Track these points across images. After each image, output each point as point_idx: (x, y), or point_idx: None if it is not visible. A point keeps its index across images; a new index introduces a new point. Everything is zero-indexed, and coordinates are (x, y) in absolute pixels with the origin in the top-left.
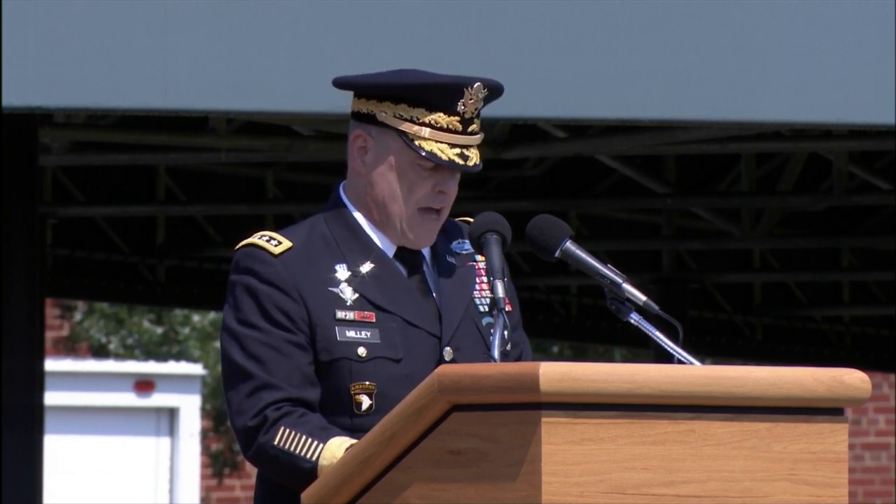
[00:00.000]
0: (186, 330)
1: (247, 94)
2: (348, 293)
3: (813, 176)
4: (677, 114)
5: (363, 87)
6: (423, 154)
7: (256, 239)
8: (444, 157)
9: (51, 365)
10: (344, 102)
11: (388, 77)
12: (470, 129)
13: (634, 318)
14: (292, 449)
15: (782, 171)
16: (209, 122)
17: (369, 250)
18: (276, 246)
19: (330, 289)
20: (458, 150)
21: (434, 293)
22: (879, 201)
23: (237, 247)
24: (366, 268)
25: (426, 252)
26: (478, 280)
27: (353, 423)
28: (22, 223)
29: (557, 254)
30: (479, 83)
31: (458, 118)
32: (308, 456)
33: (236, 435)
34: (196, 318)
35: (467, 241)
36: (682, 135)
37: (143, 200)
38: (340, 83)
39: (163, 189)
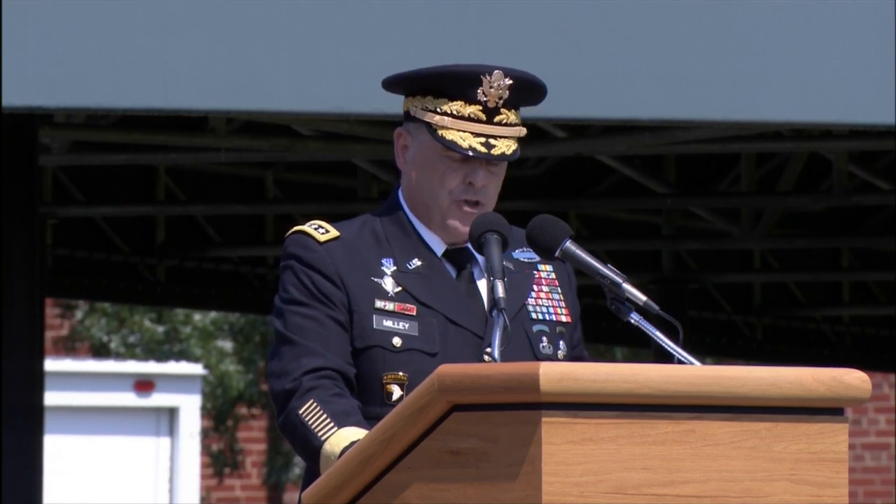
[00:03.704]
0: (188, 329)
1: (247, 94)
2: (391, 285)
3: (813, 176)
4: (677, 114)
5: (392, 82)
6: (443, 142)
7: (305, 226)
8: (463, 144)
9: (51, 365)
10: (343, 102)
11: (414, 69)
12: (497, 119)
13: (634, 318)
14: (310, 423)
15: (782, 171)
16: (209, 122)
17: (419, 249)
18: (322, 234)
19: (373, 279)
20: (482, 139)
21: (482, 295)
22: (879, 201)
23: (287, 233)
24: (413, 265)
25: (479, 255)
26: (535, 288)
27: (382, 413)
28: (22, 223)
29: (557, 254)
30: (498, 71)
31: (479, 107)
32: (320, 435)
33: (273, 400)
34: (197, 317)
35: (532, 250)
36: (682, 135)
37: (143, 200)
38: (385, 81)
39: (163, 189)
